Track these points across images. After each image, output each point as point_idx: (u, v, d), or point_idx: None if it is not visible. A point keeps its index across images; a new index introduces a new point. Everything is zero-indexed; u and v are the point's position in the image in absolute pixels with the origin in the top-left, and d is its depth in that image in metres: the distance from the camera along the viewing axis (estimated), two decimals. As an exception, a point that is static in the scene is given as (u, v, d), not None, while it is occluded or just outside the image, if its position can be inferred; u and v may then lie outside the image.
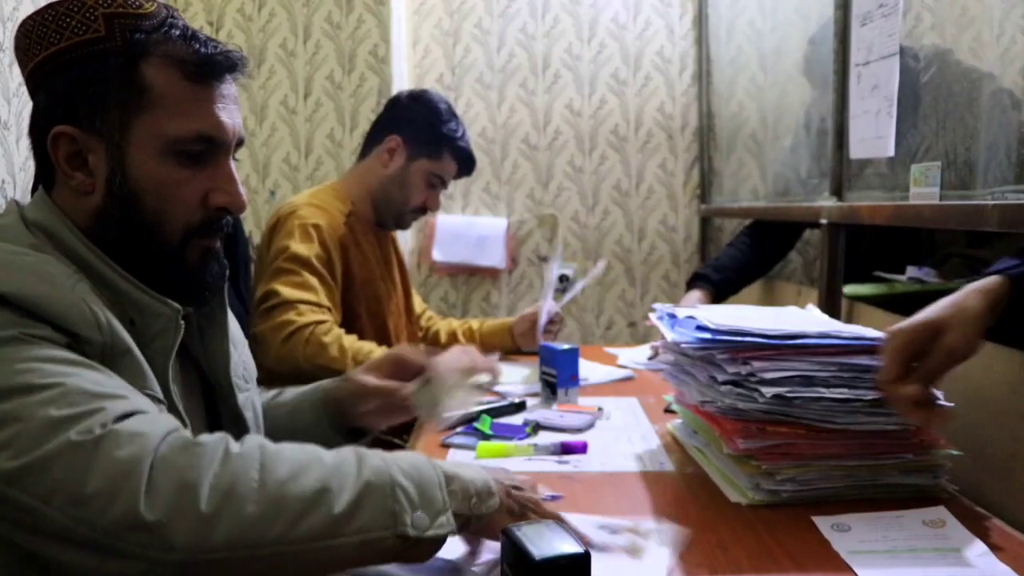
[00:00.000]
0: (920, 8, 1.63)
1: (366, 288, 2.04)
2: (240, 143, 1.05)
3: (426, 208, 2.16)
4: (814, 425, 1.16)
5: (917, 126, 1.52)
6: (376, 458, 0.88)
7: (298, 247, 1.88)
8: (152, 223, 0.98)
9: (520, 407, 1.72)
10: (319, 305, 1.87)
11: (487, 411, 1.64)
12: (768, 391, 1.15)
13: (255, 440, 0.86)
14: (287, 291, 1.82)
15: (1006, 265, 1.13)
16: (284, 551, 0.79)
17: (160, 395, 0.95)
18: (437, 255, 3.18)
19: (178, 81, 0.97)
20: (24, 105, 1.65)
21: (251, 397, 1.18)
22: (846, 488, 1.17)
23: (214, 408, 1.13)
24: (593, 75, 3.20)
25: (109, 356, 0.89)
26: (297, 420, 1.29)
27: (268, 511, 0.79)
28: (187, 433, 0.85)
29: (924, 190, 1.42)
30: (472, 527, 0.93)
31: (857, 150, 1.70)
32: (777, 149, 2.54)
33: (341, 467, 0.85)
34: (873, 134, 1.61)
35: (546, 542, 0.82)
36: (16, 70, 1.61)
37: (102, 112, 0.95)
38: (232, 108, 1.02)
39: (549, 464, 1.38)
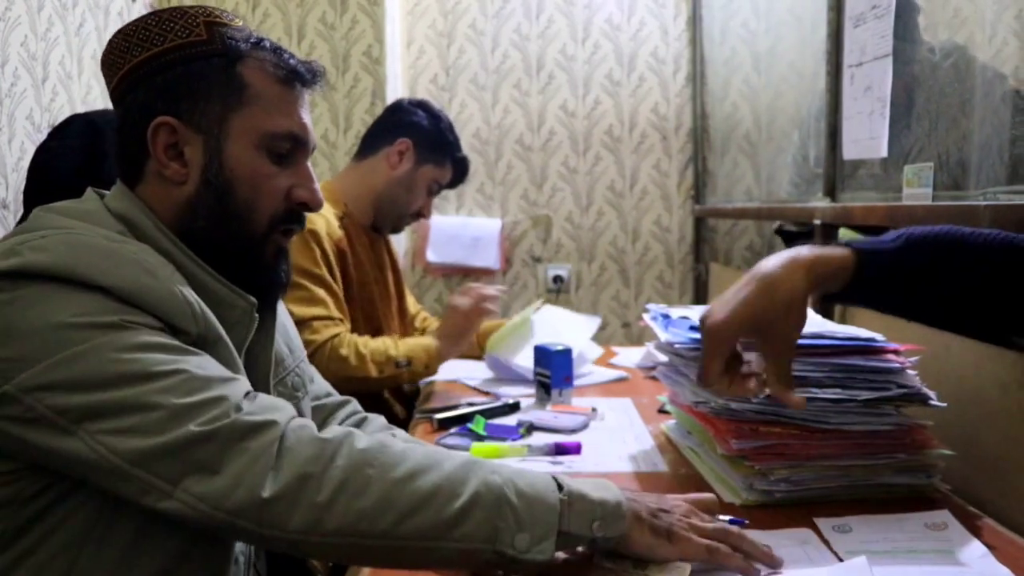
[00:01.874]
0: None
1: (361, 292, 2.04)
2: (314, 148, 1.13)
3: (421, 214, 2.20)
4: (807, 425, 1.17)
5: (921, 122, 1.52)
6: (497, 472, 0.89)
7: (300, 258, 1.86)
8: (243, 212, 1.05)
9: (514, 408, 1.72)
10: (330, 318, 1.88)
11: (481, 412, 1.64)
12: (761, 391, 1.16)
13: (379, 437, 0.92)
14: (298, 310, 1.80)
15: (870, 241, 1.06)
16: (388, 545, 0.84)
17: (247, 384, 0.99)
18: (431, 256, 3.18)
19: (272, 83, 1.06)
20: (16, 106, 1.65)
21: (298, 406, 1.18)
22: (839, 488, 1.17)
23: None
24: (587, 76, 3.21)
25: (203, 346, 0.95)
26: None
27: (379, 506, 0.84)
28: (308, 421, 0.90)
29: (917, 191, 1.42)
30: (601, 547, 0.91)
31: (850, 151, 1.71)
32: (771, 150, 2.54)
33: (457, 474, 0.88)
34: (866, 135, 1.61)
35: None
36: (8, 70, 1.61)
37: (203, 106, 1.03)
38: (310, 115, 1.12)
39: (543, 465, 1.38)
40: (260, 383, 1.11)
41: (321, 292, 1.88)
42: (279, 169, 1.07)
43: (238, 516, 0.83)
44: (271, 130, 1.05)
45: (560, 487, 0.90)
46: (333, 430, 0.90)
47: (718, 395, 1.09)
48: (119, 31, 1.05)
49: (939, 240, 1.05)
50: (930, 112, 1.48)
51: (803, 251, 1.02)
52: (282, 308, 1.24)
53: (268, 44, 1.07)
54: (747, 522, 1.02)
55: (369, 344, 1.89)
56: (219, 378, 0.89)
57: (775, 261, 1.02)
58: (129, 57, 1.03)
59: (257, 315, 1.06)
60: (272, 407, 0.90)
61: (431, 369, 1.95)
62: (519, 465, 0.94)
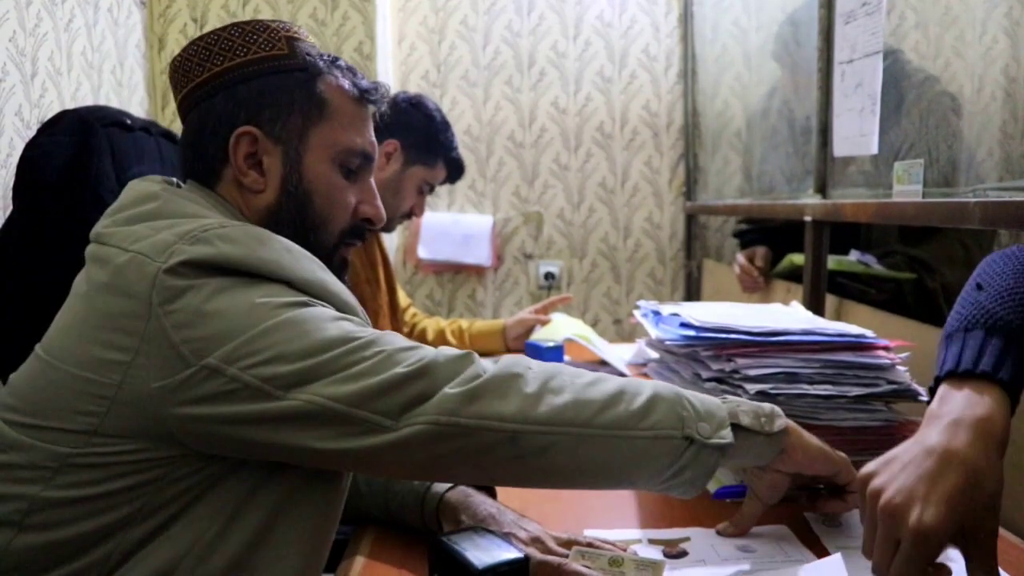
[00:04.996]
0: (904, 7, 1.64)
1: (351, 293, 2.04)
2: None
3: (412, 214, 2.17)
4: (798, 421, 1.16)
5: (898, 122, 1.53)
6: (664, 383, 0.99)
7: None
8: (318, 223, 1.10)
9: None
10: None
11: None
12: (752, 388, 1.16)
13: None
14: None
15: (968, 353, 0.90)
16: (591, 434, 0.91)
17: None
18: (423, 253, 3.17)
19: (348, 101, 1.11)
20: (5, 102, 1.64)
21: None
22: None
23: None
24: (579, 73, 3.20)
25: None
26: (391, 501, 1.16)
27: (578, 401, 0.92)
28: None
29: (907, 187, 1.42)
30: (770, 452, 1.00)
31: (841, 148, 1.71)
32: (761, 145, 2.54)
33: (631, 382, 0.96)
34: (857, 132, 1.61)
35: (484, 550, 0.80)
36: (-3, 66, 1.60)
37: (285, 118, 1.07)
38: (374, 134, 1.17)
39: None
40: None
41: None
42: (349, 184, 1.12)
43: (463, 415, 0.88)
44: (347, 146, 1.10)
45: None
46: None
47: None
48: (199, 39, 1.08)
49: None
50: (887, 106, 1.51)
51: (987, 419, 0.84)
52: None
53: (343, 63, 1.12)
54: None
55: None
56: (406, 343, 0.94)
57: (966, 439, 0.82)
58: (209, 65, 1.06)
59: None
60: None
61: None
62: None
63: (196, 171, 1.09)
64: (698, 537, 1.06)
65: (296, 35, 1.09)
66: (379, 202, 1.16)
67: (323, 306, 0.95)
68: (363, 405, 0.87)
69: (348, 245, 1.15)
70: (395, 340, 0.94)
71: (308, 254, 1.00)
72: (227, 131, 1.05)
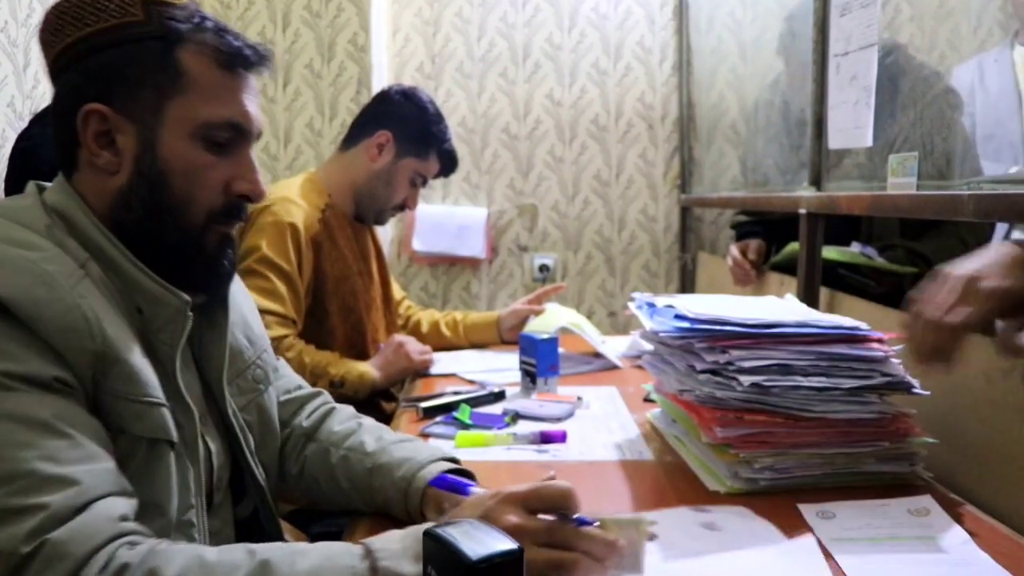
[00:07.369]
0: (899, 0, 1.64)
1: (341, 285, 2.03)
2: (259, 135, 1.07)
3: (405, 206, 2.17)
4: (791, 413, 1.17)
5: (894, 116, 1.53)
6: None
7: (269, 248, 1.86)
8: (177, 205, 1.00)
9: (500, 396, 1.72)
10: (284, 317, 1.88)
11: (467, 400, 1.64)
12: (746, 380, 1.16)
13: (188, 555, 0.81)
14: (255, 299, 1.80)
15: None
16: None
17: (160, 398, 0.94)
18: (417, 245, 3.17)
19: (211, 68, 0.99)
20: (-3, 92, 1.64)
21: (260, 400, 1.17)
22: (824, 476, 1.18)
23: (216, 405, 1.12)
24: (573, 65, 3.20)
25: (101, 365, 0.88)
26: (376, 496, 1.14)
27: None
28: (121, 541, 0.80)
29: (901, 180, 1.42)
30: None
31: (836, 140, 1.71)
32: (756, 138, 2.55)
33: None
34: (851, 124, 1.61)
35: (477, 541, 0.79)
36: (-11, 56, 1.59)
37: (136, 92, 0.97)
38: (256, 101, 1.05)
39: (528, 453, 1.38)
40: (213, 379, 1.09)
41: (282, 287, 1.88)
42: (218, 159, 1.01)
43: None
44: (208, 119, 0.99)
45: (375, 567, 0.82)
46: (134, 558, 0.79)
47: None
48: (53, 6, 0.98)
49: None
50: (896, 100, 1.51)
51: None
52: (245, 298, 1.22)
53: (211, 24, 1.00)
54: (597, 523, 0.91)
55: (314, 356, 1.89)
56: (58, 478, 0.79)
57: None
58: (62, 36, 0.97)
59: (191, 313, 1.00)
60: (87, 531, 0.78)
61: (358, 394, 1.93)
62: (325, 551, 0.84)
63: (59, 158, 1.01)
64: (664, 520, 1.06)
65: None
66: (257, 176, 1.04)
67: (19, 381, 0.82)
68: None
69: (223, 225, 1.04)
70: (41, 476, 0.78)
71: (34, 269, 0.87)
72: (76, 109, 0.96)
